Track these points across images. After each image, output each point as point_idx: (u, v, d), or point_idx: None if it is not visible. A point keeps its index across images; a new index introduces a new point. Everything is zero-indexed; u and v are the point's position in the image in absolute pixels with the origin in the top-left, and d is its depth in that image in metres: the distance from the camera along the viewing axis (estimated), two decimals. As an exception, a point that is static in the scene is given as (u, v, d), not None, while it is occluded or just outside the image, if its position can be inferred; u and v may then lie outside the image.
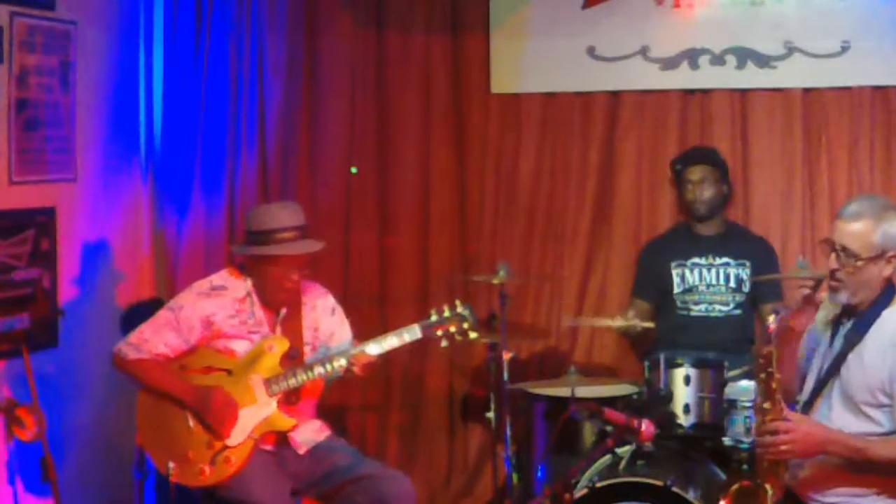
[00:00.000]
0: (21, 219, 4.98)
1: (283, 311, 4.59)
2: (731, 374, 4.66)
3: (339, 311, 4.73)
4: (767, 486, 3.60)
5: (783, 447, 3.57)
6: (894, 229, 3.63)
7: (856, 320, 3.69)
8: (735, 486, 3.66)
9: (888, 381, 3.57)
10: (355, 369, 4.45)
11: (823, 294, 3.68)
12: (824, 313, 3.88)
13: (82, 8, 5.28)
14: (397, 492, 4.43)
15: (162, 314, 4.55)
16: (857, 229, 3.61)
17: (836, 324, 3.76)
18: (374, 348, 4.49)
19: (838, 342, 3.72)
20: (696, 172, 5.31)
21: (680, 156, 5.46)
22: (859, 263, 3.60)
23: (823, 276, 3.81)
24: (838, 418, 3.66)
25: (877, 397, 3.60)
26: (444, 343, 4.57)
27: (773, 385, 3.62)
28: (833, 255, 3.64)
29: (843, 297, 3.66)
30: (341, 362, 4.45)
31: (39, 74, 5.03)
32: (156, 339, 4.50)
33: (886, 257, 3.63)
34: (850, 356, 3.66)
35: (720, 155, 5.42)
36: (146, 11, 5.85)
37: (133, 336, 4.55)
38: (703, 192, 5.29)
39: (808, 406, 3.75)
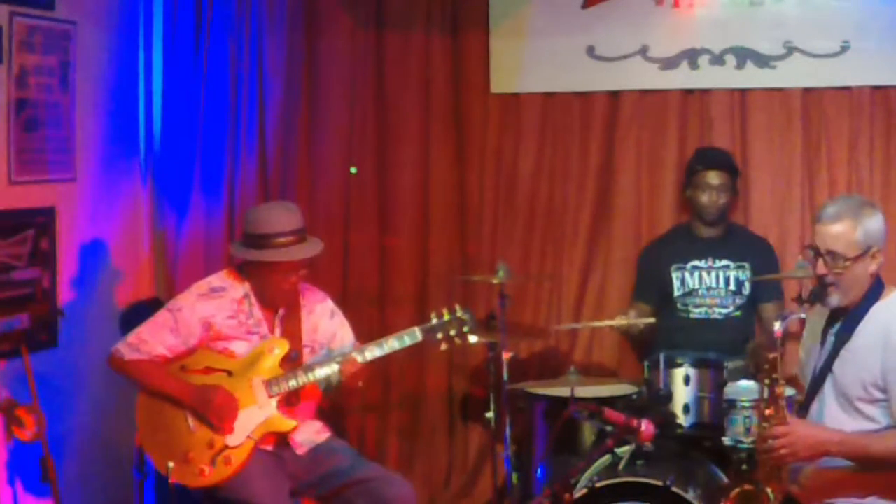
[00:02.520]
0: (21, 219, 4.98)
1: (281, 311, 4.58)
2: (731, 364, 4.66)
3: (339, 313, 4.72)
4: (769, 490, 3.61)
5: (783, 451, 3.57)
6: (874, 225, 3.68)
7: (845, 319, 3.72)
8: (737, 490, 3.66)
9: (881, 375, 3.60)
10: (343, 378, 4.43)
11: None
12: (811, 326, 3.91)
13: (82, 8, 5.28)
14: (398, 495, 4.43)
15: (161, 315, 4.55)
16: (839, 230, 3.65)
17: (825, 326, 3.78)
18: (374, 351, 4.50)
19: (829, 342, 3.73)
20: (716, 177, 5.25)
21: (699, 157, 5.37)
22: (847, 264, 3.63)
23: None
24: (834, 417, 3.68)
25: (870, 392, 3.62)
26: (443, 346, 4.58)
27: (777, 391, 3.63)
28: (820, 261, 3.66)
29: (835, 299, 3.69)
30: (334, 367, 4.45)
31: (39, 74, 5.03)
32: (154, 340, 4.50)
33: (871, 253, 3.67)
34: (843, 353, 3.68)
35: (735, 161, 5.39)
36: (146, 11, 5.85)
37: (131, 337, 4.54)
38: (720, 198, 5.25)
39: (804, 409, 3.76)
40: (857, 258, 3.63)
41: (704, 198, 5.27)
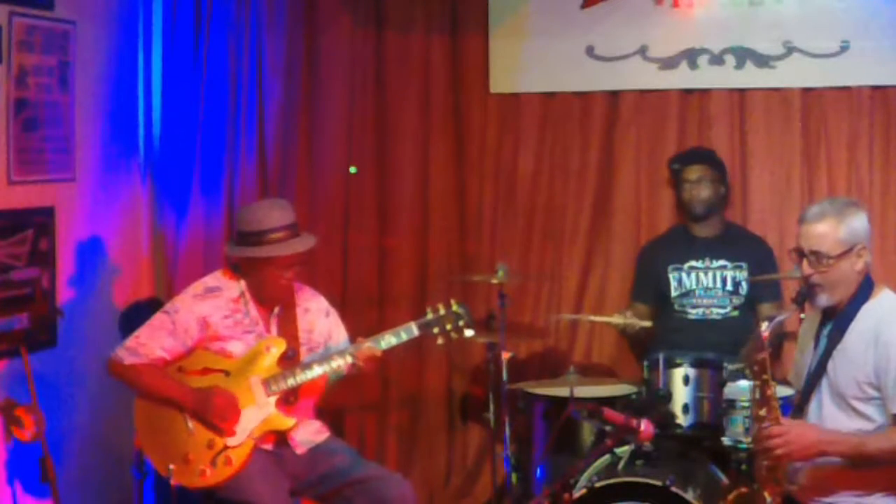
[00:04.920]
0: (20, 218, 4.98)
1: (277, 309, 4.58)
2: (731, 367, 4.66)
3: (334, 312, 4.72)
4: (766, 493, 3.61)
5: (778, 451, 3.58)
6: (857, 222, 3.69)
7: (836, 319, 3.72)
8: (733, 494, 3.67)
9: (874, 374, 3.61)
10: (360, 363, 4.45)
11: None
12: (805, 329, 3.92)
13: (81, 7, 5.28)
14: (397, 494, 4.43)
15: (158, 318, 4.53)
16: (822, 230, 3.66)
17: (818, 327, 3.78)
18: (372, 347, 4.50)
19: (822, 343, 3.74)
20: (693, 172, 5.32)
21: (678, 155, 5.47)
22: (831, 262, 3.64)
23: None
24: (830, 417, 3.68)
25: (865, 391, 3.63)
26: (440, 341, 4.58)
27: (769, 392, 3.63)
28: (805, 262, 3.67)
29: (823, 299, 3.70)
30: (346, 359, 4.45)
31: (38, 74, 5.03)
32: (152, 343, 4.49)
33: (856, 251, 3.67)
34: (835, 353, 3.69)
35: (718, 156, 5.42)
36: (145, 11, 5.85)
37: (130, 341, 4.53)
38: (701, 191, 5.29)
39: (799, 410, 3.77)
40: (842, 255, 3.64)
41: (686, 194, 5.32)
